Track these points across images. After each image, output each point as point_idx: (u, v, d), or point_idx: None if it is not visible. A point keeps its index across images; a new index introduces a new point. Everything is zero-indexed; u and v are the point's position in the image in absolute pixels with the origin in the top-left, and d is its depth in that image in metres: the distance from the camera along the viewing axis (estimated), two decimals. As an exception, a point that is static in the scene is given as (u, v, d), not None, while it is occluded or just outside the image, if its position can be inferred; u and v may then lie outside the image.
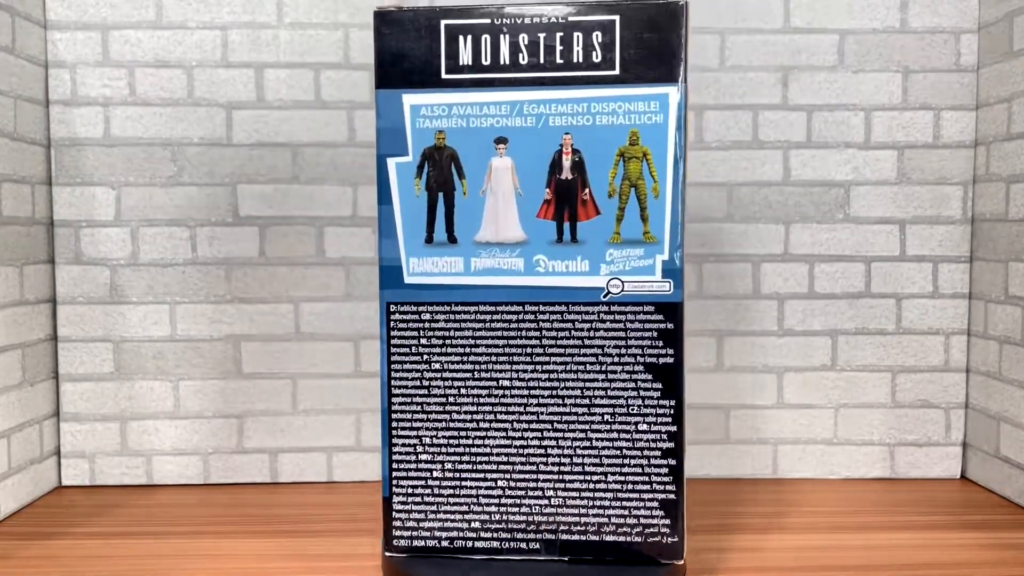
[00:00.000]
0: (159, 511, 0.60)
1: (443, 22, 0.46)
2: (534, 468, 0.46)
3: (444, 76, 0.46)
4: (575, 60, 0.45)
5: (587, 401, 0.45)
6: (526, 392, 0.46)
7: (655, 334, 0.45)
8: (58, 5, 0.63)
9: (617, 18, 0.44)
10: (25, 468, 0.61)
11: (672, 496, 0.45)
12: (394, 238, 0.46)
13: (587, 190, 0.45)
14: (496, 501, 0.47)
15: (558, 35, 0.45)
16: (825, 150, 0.65)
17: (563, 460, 0.46)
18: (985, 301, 0.64)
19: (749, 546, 0.53)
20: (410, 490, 0.47)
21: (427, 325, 0.47)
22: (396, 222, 0.46)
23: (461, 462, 0.47)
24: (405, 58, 0.46)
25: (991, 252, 0.64)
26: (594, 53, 0.44)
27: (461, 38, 0.46)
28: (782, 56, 0.65)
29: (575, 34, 0.45)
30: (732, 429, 0.66)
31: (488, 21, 0.45)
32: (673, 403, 0.45)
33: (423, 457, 0.47)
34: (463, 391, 0.46)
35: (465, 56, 0.46)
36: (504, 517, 0.47)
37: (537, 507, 0.46)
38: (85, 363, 0.65)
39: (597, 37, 0.44)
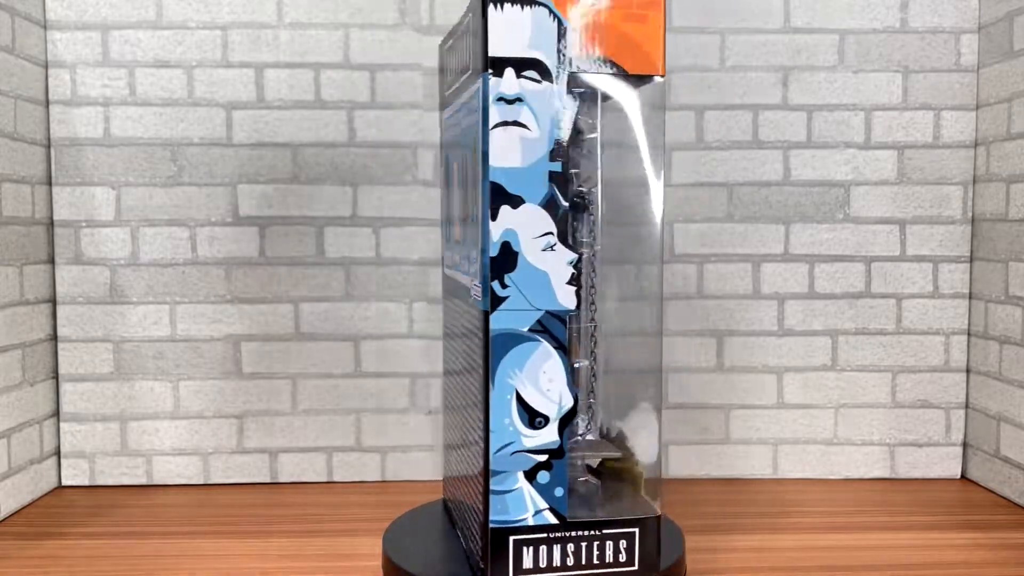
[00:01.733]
0: (159, 511, 0.60)
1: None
2: (468, 460, 0.47)
3: (446, 93, 0.50)
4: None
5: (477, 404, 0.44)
6: (464, 387, 0.47)
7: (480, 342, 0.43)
8: (58, 5, 0.63)
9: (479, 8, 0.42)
10: (25, 468, 0.61)
11: None
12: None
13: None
14: (462, 481, 0.49)
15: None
16: (825, 150, 0.65)
17: (474, 460, 0.45)
18: (985, 301, 0.64)
19: (749, 546, 0.53)
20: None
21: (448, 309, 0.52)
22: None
23: (457, 435, 0.50)
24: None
25: (991, 252, 0.64)
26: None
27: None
28: (782, 56, 0.65)
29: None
30: (732, 429, 0.66)
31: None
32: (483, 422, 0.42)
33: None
34: (453, 375, 0.51)
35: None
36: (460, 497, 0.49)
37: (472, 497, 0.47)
38: (85, 363, 0.65)
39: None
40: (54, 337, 0.65)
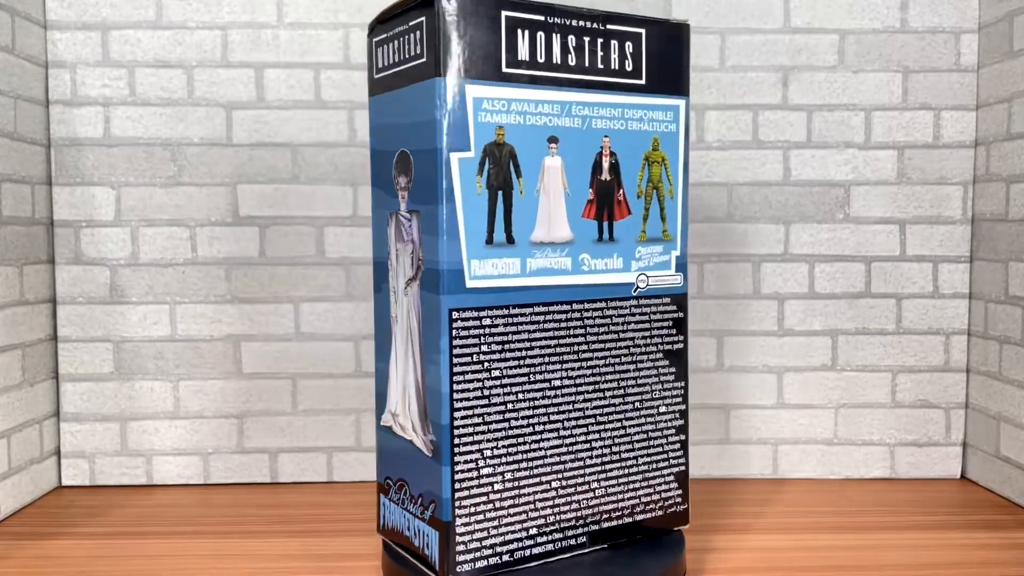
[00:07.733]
0: (159, 511, 0.60)
1: (504, 13, 0.44)
2: (581, 463, 0.47)
3: (504, 70, 0.44)
4: (612, 67, 0.47)
5: (622, 391, 0.48)
6: (574, 390, 0.46)
7: (670, 323, 0.49)
8: (58, 5, 0.63)
9: (643, 32, 0.47)
10: (25, 468, 0.61)
11: (683, 468, 0.50)
12: (456, 239, 0.43)
13: (621, 191, 0.47)
14: (550, 503, 0.46)
15: (599, 41, 0.46)
16: (825, 150, 0.65)
17: (604, 451, 0.47)
18: (985, 301, 0.64)
19: (749, 546, 0.53)
20: (472, 508, 0.44)
21: (487, 331, 0.44)
22: (458, 222, 0.43)
23: (519, 469, 0.45)
24: (469, 48, 0.43)
25: (991, 252, 0.64)
26: (627, 62, 0.47)
27: (519, 32, 0.44)
28: (782, 56, 0.65)
29: (612, 42, 0.46)
30: (732, 429, 0.66)
31: (542, 18, 0.45)
32: (683, 384, 0.50)
33: (484, 471, 0.44)
34: (519, 396, 0.45)
35: (523, 51, 0.44)
36: (557, 517, 0.46)
37: (584, 501, 0.47)
38: (85, 363, 0.65)
39: (628, 47, 0.47)
40: (54, 337, 0.65)
